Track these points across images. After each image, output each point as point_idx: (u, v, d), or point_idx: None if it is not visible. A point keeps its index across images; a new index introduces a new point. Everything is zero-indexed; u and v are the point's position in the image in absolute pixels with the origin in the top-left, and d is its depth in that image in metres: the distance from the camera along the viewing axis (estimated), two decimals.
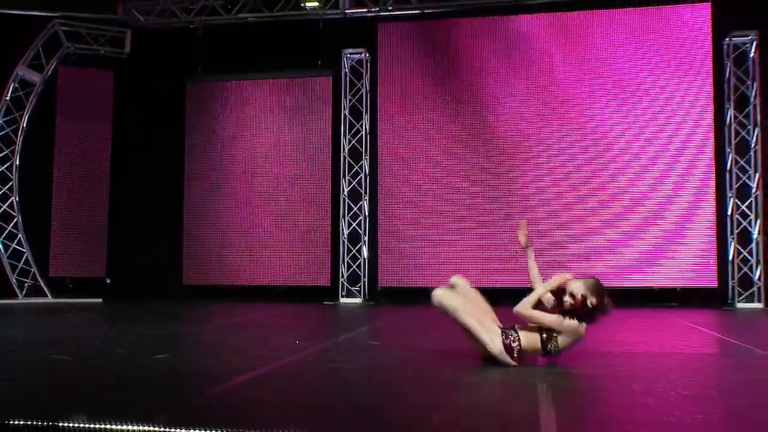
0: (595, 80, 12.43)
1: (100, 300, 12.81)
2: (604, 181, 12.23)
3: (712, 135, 12.03)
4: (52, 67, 13.51)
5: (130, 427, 2.83)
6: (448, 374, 4.48)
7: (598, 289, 4.53)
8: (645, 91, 12.27)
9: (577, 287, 4.52)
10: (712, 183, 11.97)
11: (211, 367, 4.69)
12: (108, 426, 2.85)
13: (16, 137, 13.25)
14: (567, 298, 4.53)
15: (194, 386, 3.98)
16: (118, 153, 13.98)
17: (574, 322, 4.50)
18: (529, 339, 4.61)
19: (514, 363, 4.53)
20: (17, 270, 12.96)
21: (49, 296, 12.93)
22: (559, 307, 4.57)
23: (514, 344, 4.58)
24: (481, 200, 12.56)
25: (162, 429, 2.82)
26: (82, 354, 5.36)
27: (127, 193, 13.89)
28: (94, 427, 2.86)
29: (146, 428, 2.83)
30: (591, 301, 4.49)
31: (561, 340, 4.55)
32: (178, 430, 2.80)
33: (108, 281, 13.71)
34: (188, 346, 6.24)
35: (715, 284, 11.87)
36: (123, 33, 13.71)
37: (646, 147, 12.16)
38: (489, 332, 4.57)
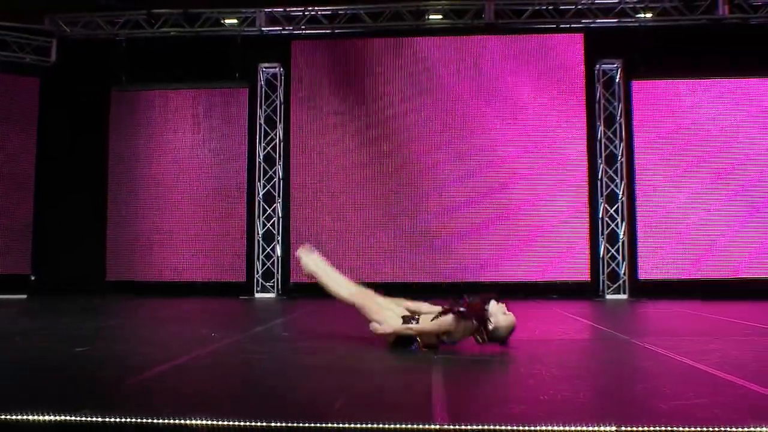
0: (488, 97, 12.67)
1: (25, 296, 12.21)
2: (496, 188, 12.49)
3: (585, 148, 12.52)
4: None
5: (50, 418, 2.72)
6: (353, 361, 4.49)
7: (508, 329, 4.53)
8: (530, 108, 12.59)
9: (498, 317, 4.49)
10: (586, 190, 12.46)
11: (131, 359, 4.56)
12: (29, 417, 2.74)
13: None
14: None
15: (114, 376, 3.86)
16: (43, 156, 13.27)
17: (448, 318, 4.49)
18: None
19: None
20: None
21: None
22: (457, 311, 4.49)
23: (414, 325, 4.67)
24: (385, 202, 12.61)
25: (82, 418, 2.72)
26: (5, 347, 5.12)
27: (53, 194, 13.23)
28: (15, 419, 2.74)
29: (67, 418, 2.72)
30: (491, 325, 4.45)
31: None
32: (98, 418, 2.72)
33: (32, 278, 13.06)
34: (109, 339, 6.03)
35: (588, 278, 12.35)
36: (49, 42, 13.09)
37: (531, 158, 12.50)
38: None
